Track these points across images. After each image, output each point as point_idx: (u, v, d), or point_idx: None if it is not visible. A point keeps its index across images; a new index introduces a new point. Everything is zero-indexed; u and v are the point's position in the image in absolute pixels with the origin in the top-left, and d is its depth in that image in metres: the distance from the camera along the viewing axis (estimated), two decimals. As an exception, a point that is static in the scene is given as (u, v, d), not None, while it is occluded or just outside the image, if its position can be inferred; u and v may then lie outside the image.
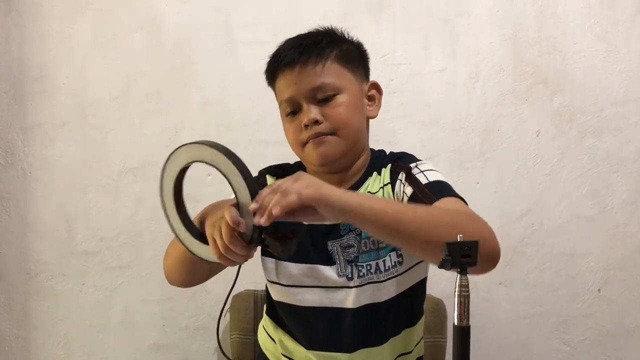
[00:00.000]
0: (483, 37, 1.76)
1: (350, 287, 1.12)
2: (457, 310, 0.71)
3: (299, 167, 1.24)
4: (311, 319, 1.15)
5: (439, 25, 1.76)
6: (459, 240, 0.72)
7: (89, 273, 1.77)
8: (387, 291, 1.13)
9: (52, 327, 1.78)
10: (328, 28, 1.17)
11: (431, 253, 0.92)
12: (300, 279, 1.14)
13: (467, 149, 1.76)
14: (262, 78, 1.70)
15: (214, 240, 0.92)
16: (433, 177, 1.09)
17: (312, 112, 1.09)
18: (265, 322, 1.26)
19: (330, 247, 1.13)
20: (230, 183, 0.93)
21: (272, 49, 1.72)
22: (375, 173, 1.17)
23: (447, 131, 1.76)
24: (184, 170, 1.01)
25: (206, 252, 0.96)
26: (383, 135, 1.74)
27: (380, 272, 1.12)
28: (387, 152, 1.23)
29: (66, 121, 1.76)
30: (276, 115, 1.70)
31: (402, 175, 1.12)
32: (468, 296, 0.72)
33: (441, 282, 1.69)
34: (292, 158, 1.27)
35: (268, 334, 1.24)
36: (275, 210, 0.85)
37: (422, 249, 0.95)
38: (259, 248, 1.00)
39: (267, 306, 1.26)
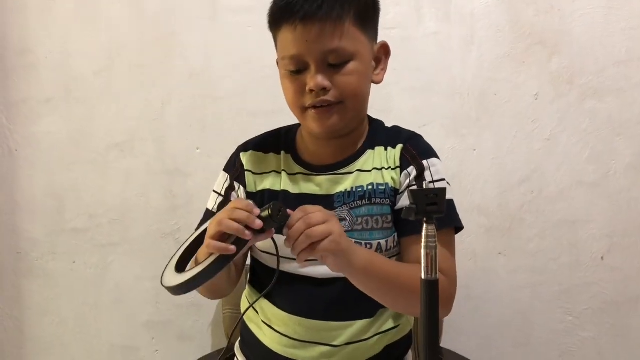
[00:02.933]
0: (477, -3, 1.69)
1: None
2: (425, 263, 0.66)
3: (286, 135, 1.19)
4: (296, 286, 1.11)
5: (432, -14, 1.69)
6: (424, 187, 0.68)
7: (80, 251, 1.75)
8: None
9: (44, 306, 1.76)
10: None
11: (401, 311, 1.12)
12: (283, 249, 1.10)
13: (463, 115, 1.70)
14: (249, 46, 1.69)
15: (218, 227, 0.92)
16: None
17: (321, 77, 1.01)
18: (248, 291, 1.23)
19: None
20: None
21: (258, 15, 1.67)
22: (377, 148, 1.11)
23: (441, 97, 1.70)
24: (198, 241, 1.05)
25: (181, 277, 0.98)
26: (375, 102, 1.64)
27: (382, 251, 1.07)
28: (389, 125, 1.18)
29: (51, 97, 1.73)
30: (264, 86, 1.68)
31: (412, 171, 1.07)
32: (435, 247, 0.66)
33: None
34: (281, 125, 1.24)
35: (249, 302, 1.20)
36: (298, 259, 0.92)
37: (398, 309, 1.10)
38: None
39: (250, 275, 1.23)
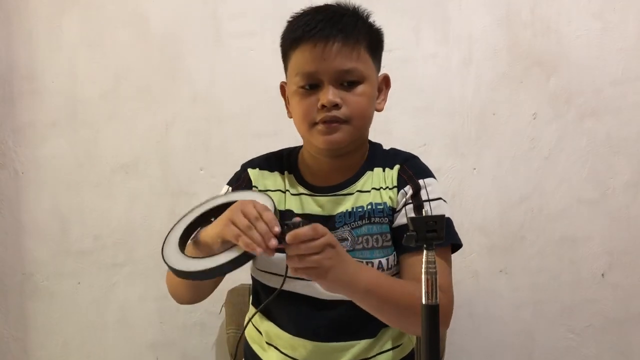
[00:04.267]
0: (475, 19, 1.72)
1: None
2: (425, 288, 0.68)
3: (288, 156, 1.22)
4: (300, 307, 1.12)
5: (430, 9, 1.72)
6: (424, 215, 0.69)
7: (85, 272, 1.76)
8: None
9: (49, 327, 1.77)
10: (353, 6, 1.13)
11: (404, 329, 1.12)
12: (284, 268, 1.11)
13: (463, 135, 1.72)
14: (252, 69, 1.72)
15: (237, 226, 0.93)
16: (437, 212, 1.08)
17: (334, 94, 1.05)
18: (251, 313, 1.24)
19: None
20: None
21: (260, 40, 1.72)
22: (376, 169, 1.15)
23: (441, 117, 1.73)
24: (206, 215, 1.06)
25: (197, 264, 0.96)
26: (376, 123, 1.68)
27: (383, 270, 1.09)
28: (387, 148, 1.21)
29: (56, 120, 1.75)
30: (267, 108, 1.70)
31: (409, 190, 1.11)
32: (435, 273, 0.68)
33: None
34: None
35: (253, 324, 1.21)
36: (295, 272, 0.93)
37: (400, 327, 1.11)
38: None
39: (253, 297, 1.24)
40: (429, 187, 1.11)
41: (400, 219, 1.09)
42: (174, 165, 1.74)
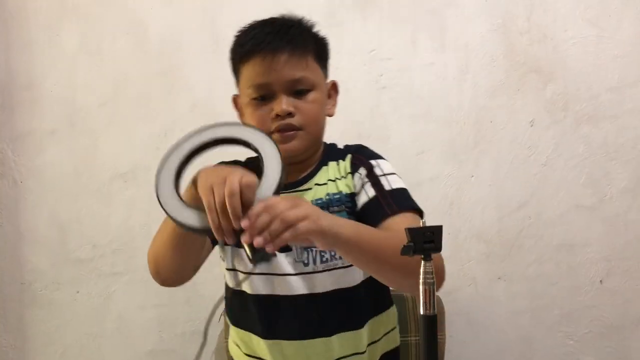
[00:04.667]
0: (472, 27, 1.73)
1: (309, 273, 1.10)
2: (423, 299, 0.68)
3: (245, 163, 1.20)
4: (271, 310, 1.13)
5: (427, 18, 1.73)
6: (421, 225, 0.70)
7: (83, 280, 1.76)
8: (352, 276, 1.12)
9: (48, 336, 1.77)
10: (298, 18, 1.16)
11: (392, 281, 1.04)
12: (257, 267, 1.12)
13: (461, 142, 1.73)
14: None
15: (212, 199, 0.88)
16: (395, 183, 1.10)
17: (287, 103, 1.08)
18: (230, 330, 1.24)
19: None
20: (263, 166, 0.94)
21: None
22: (330, 163, 1.17)
23: (439, 124, 1.73)
24: (205, 147, 1.02)
25: (194, 218, 0.91)
26: (374, 131, 1.72)
27: None
28: (341, 146, 1.23)
29: (55, 128, 1.76)
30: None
31: (362, 170, 1.13)
32: (433, 283, 0.69)
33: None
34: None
35: (234, 341, 1.22)
36: (269, 248, 0.86)
37: (387, 278, 1.03)
38: None
39: (227, 311, 1.24)
40: (382, 165, 1.13)
41: (362, 198, 1.11)
42: (173, 173, 1.74)
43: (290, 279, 1.11)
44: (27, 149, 1.76)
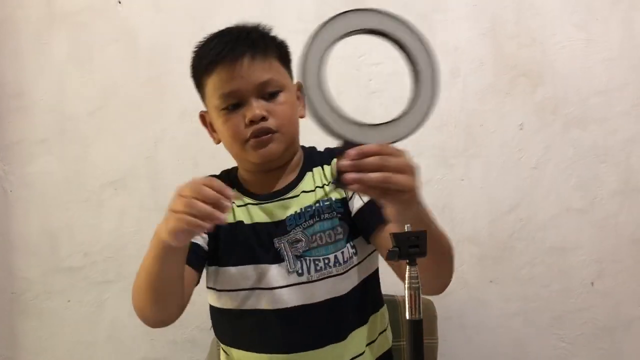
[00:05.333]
0: (461, 32, 1.74)
1: (304, 283, 1.10)
2: (408, 304, 0.68)
3: (227, 174, 1.22)
4: (260, 323, 1.12)
5: (416, 22, 1.69)
6: (406, 230, 0.70)
7: (75, 289, 1.75)
8: (347, 283, 1.12)
9: (39, 345, 1.76)
10: (254, 23, 1.15)
11: (443, 269, 1.00)
12: (241, 282, 1.12)
13: (451, 146, 1.74)
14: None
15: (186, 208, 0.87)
16: None
17: (259, 107, 1.06)
18: (222, 351, 1.23)
19: (277, 245, 1.12)
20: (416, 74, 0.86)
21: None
22: (315, 169, 1.16)
23: (429, 129, 1.73)
24: (337, 40, 0.87)
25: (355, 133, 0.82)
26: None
27: (340, 264, 1.10)
28: (321, 149, 1.22)
29: (45, 137, 1.75)
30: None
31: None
32: (419, 288, 0.69)
33: (430, 282, 1.67)
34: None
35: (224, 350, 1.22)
36: (356, 187, 0.78)
37: (443, 267, 0.99)
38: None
39: (214, 328, 1.23)
40: None
41: (357, 203, 1.11)
42: (163, 180, 1.74)
43: (282, 291, 1.10)
44: (17, 157, 1.75)
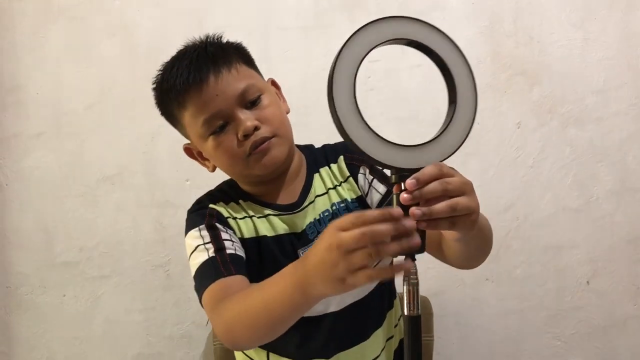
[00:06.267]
0: (459, 30, 1.73)
1: None
2: (407, 299, 0.68)
3: (230, 188, 1.16)
4: (303, 329, 1.07)
5: (414, 20, 1.74)
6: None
7: (70, 284, 1.75)
8: (367, 286, 1.11)
9: (34, 340, 1.75)
10: (203, 38, 1.08)
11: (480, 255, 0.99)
12: None
13: (448, 144, 1.73)
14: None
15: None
16: None
17: (249, 119, 1.00)
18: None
19: (301, 254, 1.08)
20: (454, 85, 0.77)
21: (248, 49, 1.73)
22: (321, 169, 1.13)
23: (426, 127, 1.74)
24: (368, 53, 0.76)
25: (393, 156, 0.73)
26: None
27: None
28: (318, 146, 1.19)
29: (41, 131, 1.74)
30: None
31: (363, 170, 1.09)
32: (417, 284, 0.69)
33: (427, 280, 1.67)
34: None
35: (247, 355, 1.19)
36: (422, 225, 0.69)
37: (485, 253, 1.00)
38: None
39: None
40: None
41: (375, 197, 1.07)
42: (160, 176, 1.74)
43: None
44: (13, 151, 1.75)
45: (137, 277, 1.73)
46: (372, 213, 0.67)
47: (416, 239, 0.67)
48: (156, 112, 1.72)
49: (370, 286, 1.12)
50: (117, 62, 1.74)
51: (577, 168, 1.73)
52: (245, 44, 1.72)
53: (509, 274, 1.73)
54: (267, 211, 1.11)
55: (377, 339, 1.15)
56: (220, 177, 1.19)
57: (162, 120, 1.72)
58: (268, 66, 1.69)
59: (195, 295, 1.72)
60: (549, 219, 1.74)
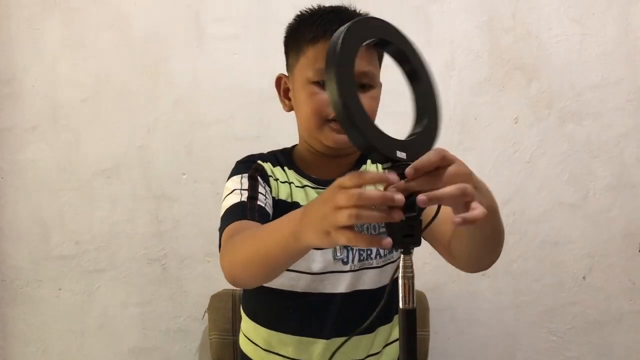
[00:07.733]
0: (457, 24, 1.73)
1: (345, 272, 1.10)
2: (402, 293, 0.68)
3: (281, 154, 1.18)
4: (307, 306, 1.12)
5: (413, 13, 1.73)
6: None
7: (66, 278, 1.74)
8: (382, 277, 1.12)
9: (29, 334, 1.74)
10: (353, 7, 1.11)
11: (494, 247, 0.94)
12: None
13: (445, 138, 1.72)
14: (235, 72, 1.72)
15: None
16: None
17: None
18: (245, 325, 1.22)
19: None
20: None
21: (244, 43, 1.72)
22: (369, 163, 1.15)
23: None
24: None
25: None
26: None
27: (380, 257, 1.11)
28: None
29: (37, 124, 1.73)
30: (250, 111, 1.70)
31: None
32: (412, 277, 0.69)
33: (423, 275, 1.67)
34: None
35: (248, 337, 1.20)
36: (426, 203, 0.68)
37: (499, 244, 0.95)
38: None
39: (246, 305, 1.22)
40: None
41: None
42: (156, 169, 1.73)
43: (322, 277, 1.10)
44: (8, 144, 1.73)
45: (133, 270, 1.73)
46: (372, 174, 0.70)
47: (396, 214, 0.66)
48: (152, 105, 1.73)
49: (382, 280, 1.12)
50: (113, 54, 1.73)
51: (574, 163, 1.74)
52: (242, 35, 1.74)
53: (505, 269, 1.73)
54: (306, 182, 1.14)
55: (382, 335, 1.16)
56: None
57: (159, 113, 1.73)
58: (265, 59, 1.70)
59: (190, 288, 1.74)
60: (546, 214, 1.74)
